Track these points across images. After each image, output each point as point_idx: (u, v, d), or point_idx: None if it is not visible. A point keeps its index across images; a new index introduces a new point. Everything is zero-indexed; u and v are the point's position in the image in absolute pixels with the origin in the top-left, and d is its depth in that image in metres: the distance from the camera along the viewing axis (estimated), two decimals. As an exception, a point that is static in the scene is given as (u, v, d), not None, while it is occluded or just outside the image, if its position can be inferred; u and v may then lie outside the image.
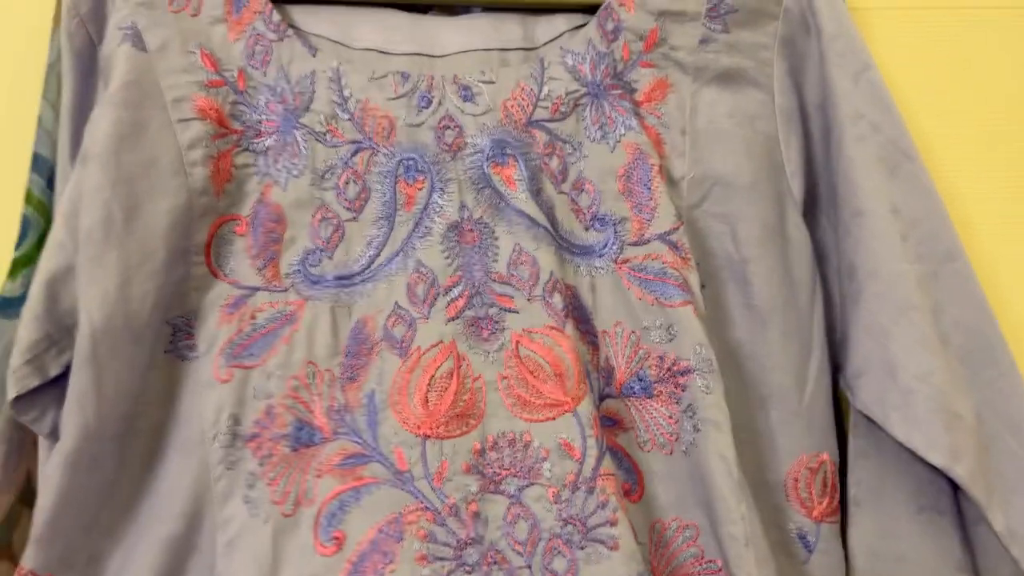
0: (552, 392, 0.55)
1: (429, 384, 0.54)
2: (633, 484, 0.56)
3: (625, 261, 0.58)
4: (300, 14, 0.61)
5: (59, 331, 0.54)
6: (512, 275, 0.57)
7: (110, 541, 0.54)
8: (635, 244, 0.58)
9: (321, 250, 0.57)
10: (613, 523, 0.53)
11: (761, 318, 0.59)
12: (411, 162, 0.58)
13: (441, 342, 0.55)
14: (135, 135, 0.55)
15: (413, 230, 0.57)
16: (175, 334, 0.56)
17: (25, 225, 0.58)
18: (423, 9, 0.63)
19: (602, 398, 0.57)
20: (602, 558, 0.52)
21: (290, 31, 0.60)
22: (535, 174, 0.59)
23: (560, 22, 0.63)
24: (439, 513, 0.52)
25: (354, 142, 0.58)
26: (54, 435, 0.54)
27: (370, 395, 0.55)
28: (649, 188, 0.58)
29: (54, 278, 0.54)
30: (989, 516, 0.54)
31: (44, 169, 0.59)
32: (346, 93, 0.59)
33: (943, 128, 0.68)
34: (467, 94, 0.60)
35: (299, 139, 0.58)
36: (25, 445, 0.57)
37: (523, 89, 0.60)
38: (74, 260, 0.53)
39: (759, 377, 0.59)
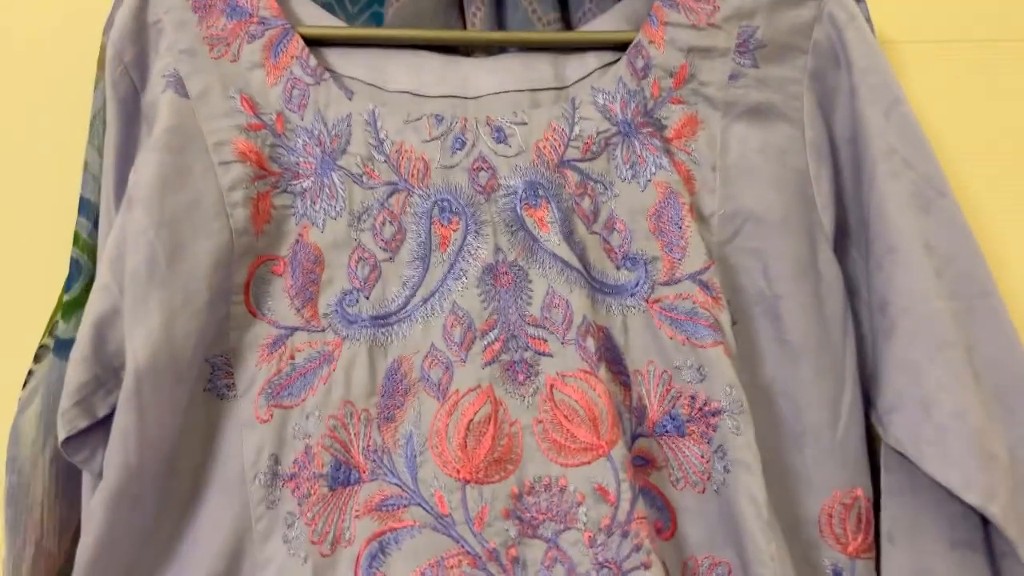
0: (586, 436, 0.55)
1: (468, 428, 0.55)
2: (666, 522, 0.57)
3: (656, 300, 0.59)
4: (335, 56, 0.63)
5: (106, 372, 0.55)
6: (546, 318, 0.57)
7: None
8: (666, 284, 0.59)
9: (358, 290, 0.58)
10: (647, 566, 0.53)
11: (794, 354, 0.59)
12: (446, 203, 0.59)
13: (479, 386, 0.56)
14: (178, 178, 0.56)
15: (448, 272, 0.58)
16: (214, 372, 0.57)
17: (75, 268, 0.60)
18: (458, 49, 0.64)
19: (635, 437, 0.58)
20: None
21: (327, 75, 0.61)
22: (567, 215, 0.59)
23: (591, 60, 0.63)
24: (480, 558, 0.53)
25: (390, 183, 0.59)
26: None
27: (408, 436, 0.55)
28: (680, 227, 0.59)
29: (101, 320, 0.55)
30: (1022, 554, 0.53)
31: (91, 213, 0.61)
32: (382, 135, 0.60)
33: (973, 162, 0.68)
34: (500, 135, 0.60)
35: (336, 181, 0.59)
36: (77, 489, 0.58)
37: (554, 129, 0.60)
38: (119, 303, 0.55)
39: (792, 414, 0.59)
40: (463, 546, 0.53)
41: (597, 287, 0.59)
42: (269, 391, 0.57)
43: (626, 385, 0.58)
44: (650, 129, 0.60)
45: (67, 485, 0.58)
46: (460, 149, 0.60)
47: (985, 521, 0.56)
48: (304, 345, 0.58)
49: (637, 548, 0.53)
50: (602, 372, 0.56)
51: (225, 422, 0.57)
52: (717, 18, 0.61)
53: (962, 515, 0.56)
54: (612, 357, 0.58)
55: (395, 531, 0.54)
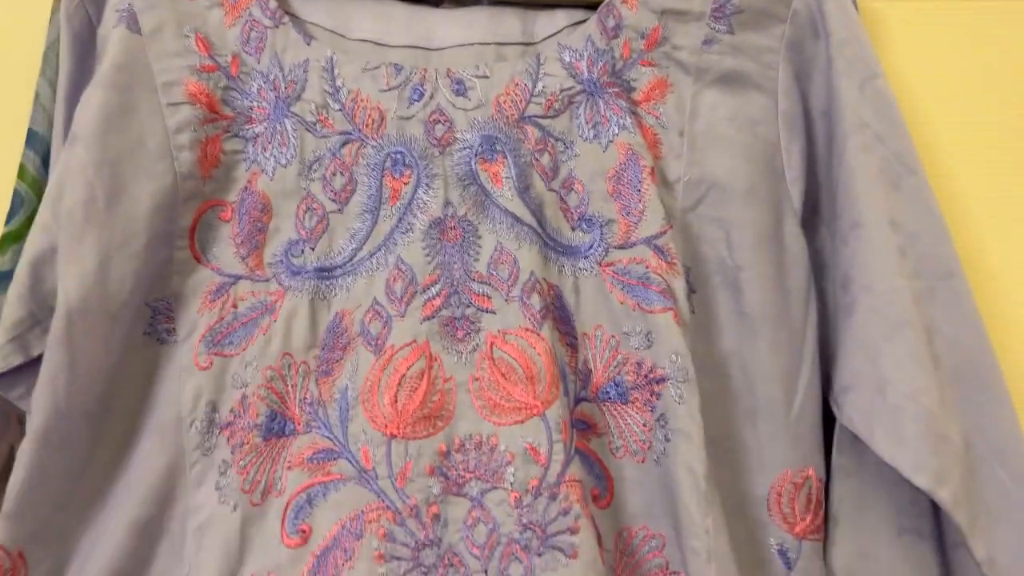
0: (522, 395, 0.54)
1: (399, 384, 0.54)
2: (603, 490, 0.56)
3: (610, 264, 0.57)
4: (298, 2, 0.61)
5: (43, 310, 0.55)
6: (492, 274, 0.56)
7: (81, 519, 0.55)
8: (620, 247, 0.57)
9: (304, 241, 0.57)
10: (574, 531, 0.52)
11: (752, 327, 0.58)
12: (399, 156, 0.58)
13: (414, 341, 0.55)
14: (123, 117, 0.55)
15: (396, 225, 0.57)
16: (154, 316, 0.56)
17: (17, 201, 0.59)
18: (431, 1, 0.63)
19: (578, 400, 0.57)
20: (559, 566, 0.52)
21: (286, 19, 0.59)
22: (524, 171, 0.58)
23: (560, 17, 0.62)
24: (399, 513, 0.52)
25: (343, 133, 0.58)
26: None
27: (343, 391, 0.55)
28: (639, 190, 0.57)
29: (39, 259, 0.54)
30: (971, 543, 0.52)
31: (40, 146, 0.60)
32: (338, 83, 0.58)
33: (954, 125, 0.65)
34: (460, 88, 0.59)
35: (289, 128, 0.58)
36: (11, 423, 0.58)
37: (517, 84, 0.59)
38: (57, 241, 0.54)
39: (747, 388, 0.58)
40: (383, 500, 0.53)
41: (551, 245, 0.58)
42: (210, 338, 0.56)
43: (573, 347, 0.57)
44: (616, 90, 0.59)
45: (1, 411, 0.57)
46: (418, 100, 0.59)
47: (936, 511, 0.56)
48: (247, 294, 0.57)
49: (565, 512, 0.53)
50: (545, 331, 0.55)
51: (164, 366, 0.56)
52: None
53: (911, 502, 0.56)
54: (561, 317, 0.57)
55: (323, 484, 0.53)
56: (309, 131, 0.58)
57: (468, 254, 0.57)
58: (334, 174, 0.58)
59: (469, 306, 0.56)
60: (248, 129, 0.58)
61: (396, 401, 0.54)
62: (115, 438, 0.56)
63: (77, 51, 0.58)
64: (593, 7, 0.61)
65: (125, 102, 0.55)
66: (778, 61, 0.59)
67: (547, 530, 0.52)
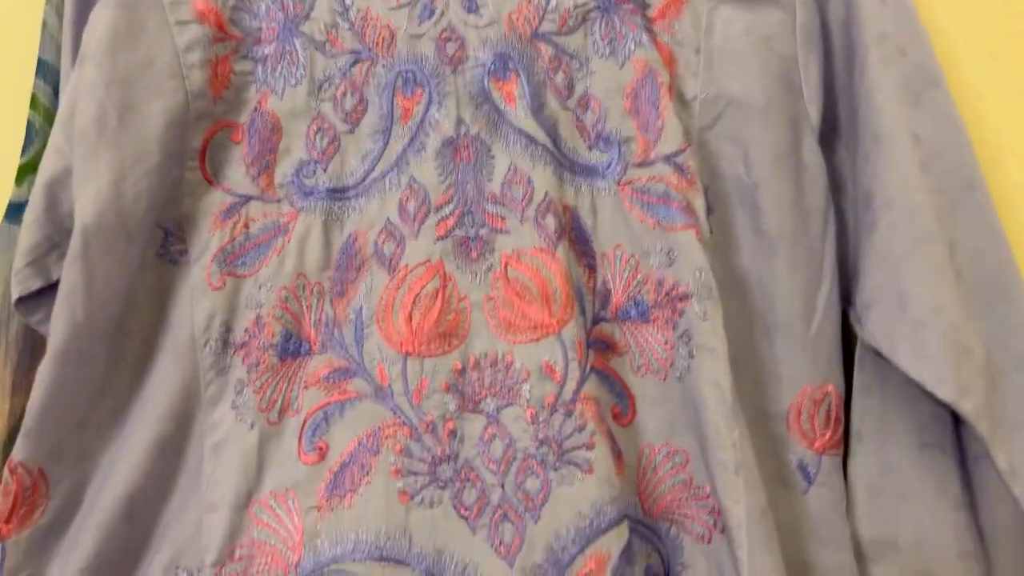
0: (537, 314, 0.54)
1: (414, 302, 0.54)
2: (624, 408, 0.56)
3: (628, 183, 0.57)
4: (305, -80, 0.60)
5: (60, 233, 0.55)
6: (506, 194, 0.56)
7: (100, 438, 0.55)
8: (640, 165, 0.57)
9: (316, 162, 0.57)
10: (590, 447, 0.53)
11: (770, 245, 0.57)
12: (410, 74, 0.57)
13: (428, 260, 0.55)
14: (131, 35, 0.54)
15: (408, 145, 0.57)
16: (167, 238, 0.56)
17: (31, 131, 0.59)
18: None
19: (596, 321, 0.56)
20: (575, 480, 0.52)
21: None
22: (538, 89, 0.57)
23: (574, -69, 0.61)
24: (416, 429, 0.53)
25: (353, 52, 0.57)
26: None
27: (358, 311, 0.55)
28: (657, 108, 0.56)
29: (53, 181, 0.54)
30: (992, 453, 0.52)
31: (49, 75, 0.59)
32: (347, 1, 0.58)
33: (974, 44, 0.63)
34: (471, 5, 0.58)
35: (298, 48, 0.57)
36: (35, 348, 0.58)
37: (530, 1, 0.58)
38: (72, 164, 0.54)
39: (766, 305, 0.58)
40: (400, 417, 0.53)
41: (567, 165, 0.57)
42: (222, 258, 0.56)
43: (591, 268, 0.57)
44: (631, 6, 0.58)
45: (23, 346, 0.58)
46: (428, 18, 0.58)
47: (957, 426, 0.55)
48: (259, 215, 0.56)
49: (580, 428, 0.53)
50: (560, 251, 0.55)
51: (177, 287, 0.56)
52: None
53: (933, 416, 0.55)
54: (579, 238, 0.57)
55: (339, 402, 0.54)
56: (319, 51, 0.57)
57: (481, 174, 0.56)
58: (345, 94, 0.57)
59: (483, 226, 0.56)
60: (257, 50, 0.57)
61: (411, 319, 0.54)
62: (132, 358, 0.56)
63: (82, -26, 0.58)
64: (607, -79, 0.60)
65: (133, 20, 0.55)
66: None
67: (563, 445, 0.53)
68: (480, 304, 0.55)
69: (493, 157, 0.56)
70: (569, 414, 0.53)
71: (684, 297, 0.55)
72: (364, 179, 0.57)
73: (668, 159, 0.56)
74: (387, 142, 0.57)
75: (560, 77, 0.58)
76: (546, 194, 0.56)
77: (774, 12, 0.58)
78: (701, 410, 0.53)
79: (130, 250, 0.54)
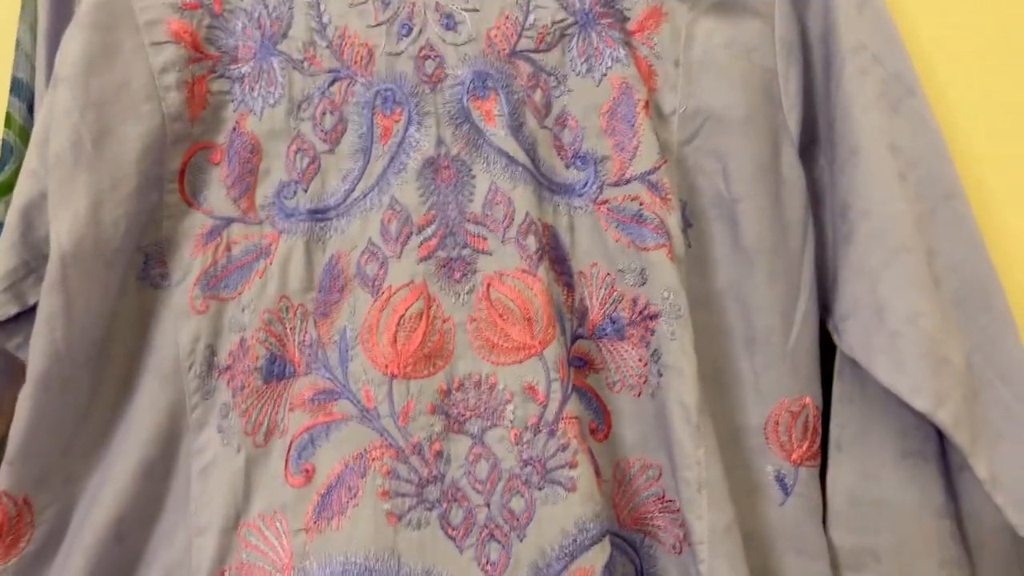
0: (520, 335, 0.55)
1: (398, 324, 0.54)
2: (600, 423, 0.57)
3: (604, 202, 0.57)
4: (280, -64, 0.60)
5: (36, 259, 0.54)
6: (487, 215, 0.56)
7: (86, 463, 0.55)
8: (614, 184, 0.57)
9: (296, 182, 0.57)
10: (572, 465, 0.53)
11: (749, 259, 0.58)
12: (389, 93, 0.57)
13: (412, 281, 0.55)
14: (106, 58, 0.54)
15: (388, 165, 0.56)
16: (147, 261, 0.56)
17: (6, 150, 0.59)
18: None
19: (575, 338, 0.57)
20: (559, 499, 0.53)
21: None
22: (517, 108, 0.57)
23: (551, -54, 0.60)
24: (402, 451, 0.53)
25: (332, 71, 0.57)
26: None
27: (342, 332, 0.55)
28: (632, 125, 0.56)
29: (29, 205, 0.54)
30: (972, 463, 0.52)
31: (24, 93, 0.59)
32: (325, 19, 0.57)
33: (951, 43, 0.64)
34: (449, 22, 0.58)
35: (276, 67, 0.57)
36: (14, 373, 0.57)
37: (507, 18, 0.58)
38: (47, 187, 0.53)
39: (744, 319, 0.58)
40: (386, 439, 0.53)
41: (545, 184, 0.57)
42: (205, 282, 0.56)
43: (569, 286, 0.57)
44: (610, 20, 0.58)
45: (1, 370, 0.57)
46: (407, 35, 0.57)
47: (941, 434, 0.55)
48: (240, 237, 0.56)
49: (563, 447, 0.54)
50: (541, 271, 0.55)
51: (159, 311, 0.56)
52: None
53: (914, 426, 0.56)
54: (557, 257, 0.57)
55: (324, 423, 0.54)
56: (296, 69, 0.57)
57: (462, 194, 0.56)
58: (324, 113, 0.57)
59: (465, 247, 0.56)
60: (234, 69, 0.57)
61: (396, 341, 0.54)
62: (115, 382, 0.56)
63: (56, -8, 0.57)
64: (585, -65, 0.59)
65: (107, 42, 0.54)
66: None
67: (547, 465, 0.53)
68: (463, 325, 0.55)
69: (474, 177, 0.56)
70: (552, 434, 0.54)
71: (655, 316, 0.55)
72: (345, 199, 0.56)
73: (642, 178, 0.56)
74: (367, 162, 0.57)
75: (538, 95, 0.58)
76: (527, 214, 0.56)
77: (754, 24, 0.58)
78: (669, 428, 0.55)
79: (110, 275, 0.54)
